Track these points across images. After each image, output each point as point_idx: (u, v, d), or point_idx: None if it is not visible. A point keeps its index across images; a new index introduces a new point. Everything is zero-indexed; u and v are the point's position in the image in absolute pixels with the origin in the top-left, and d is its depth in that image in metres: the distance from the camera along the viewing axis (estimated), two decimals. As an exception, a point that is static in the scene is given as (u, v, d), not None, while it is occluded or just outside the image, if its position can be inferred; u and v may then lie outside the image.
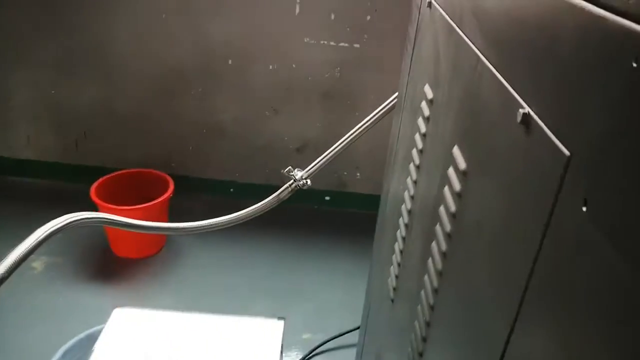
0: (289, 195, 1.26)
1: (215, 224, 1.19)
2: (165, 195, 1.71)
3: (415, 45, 0.85)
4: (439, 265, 0.51)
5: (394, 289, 0.73)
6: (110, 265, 1.73)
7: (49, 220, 0.87)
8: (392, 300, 0.73)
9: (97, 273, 1.69)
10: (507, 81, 0.40)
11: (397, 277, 0.73)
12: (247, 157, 2.06)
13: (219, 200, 2.06)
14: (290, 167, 1.22)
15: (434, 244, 0.54)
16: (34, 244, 0.82)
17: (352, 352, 1.40)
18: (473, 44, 0.52)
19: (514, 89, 0.38)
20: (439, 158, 0.59)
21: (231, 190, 2.10)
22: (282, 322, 0.71)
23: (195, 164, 2.08)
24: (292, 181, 1.21)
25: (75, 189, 1.91)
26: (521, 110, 0.36)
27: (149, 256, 1.78)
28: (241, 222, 1.21)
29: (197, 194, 2.07)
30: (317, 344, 1.48)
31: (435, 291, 0.52)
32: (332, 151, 1.26)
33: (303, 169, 1.23)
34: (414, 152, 0.71)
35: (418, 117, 0.71)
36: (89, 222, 0.97)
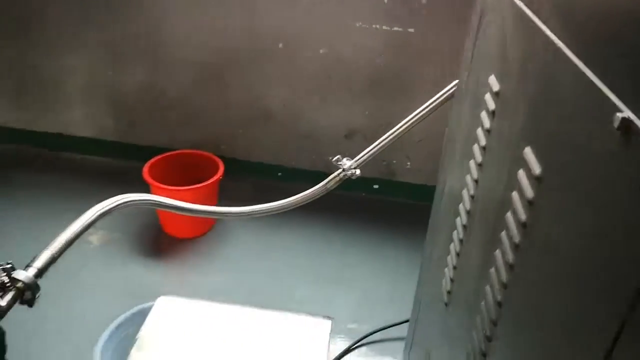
0: (337, 184, 1.23)
1: (261, 210, 1.18)
2: (216, 177, 1.72)
3: (479, 31, 0.79)
4: (504, 278, 0.47)
5: (449, 292, 0.69)
6: (161, 243, 1.77)
7: (103, 196, 0.88)
8: (446, 304, 0.69)
9: (149, 250, 1.73)
10: (599, 79, 0.35)
11: (452, 280, 0.69)
12: (295, 142, 2.04)
13: (267, 183, 2.05)
14: (339, 156, 1.18)
15: (498, 252, 0.50)
16: (85, 224, 0.83)
17: (397, 344, 1.37)
18: (552, 32, 0.46)
19: (609, 89, 0.33)
20: (505, 158, 0.54)
21: (279, 174, 2.09)
22: (329, 322, 0.68)
23: (243, 147, 2.08)
24: (340, 170, 1.18)
25: (128, 168, 1.96)
26: (619, 115, 0.31)
27: (198, 236, 1.80)
28: (287, 210, 1.19)
29: (244, 177, 2.07)
30: (362, 334, 1.46)
31: (499, 304, 0.47)
32: (383, 140, 1.21)
33: (351, 157, 1.19)
34: (476, 148, 0.66)
35: (481, 111, 0.66)
36: (140, 203, 0.97)
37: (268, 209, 1.18)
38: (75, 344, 1.36)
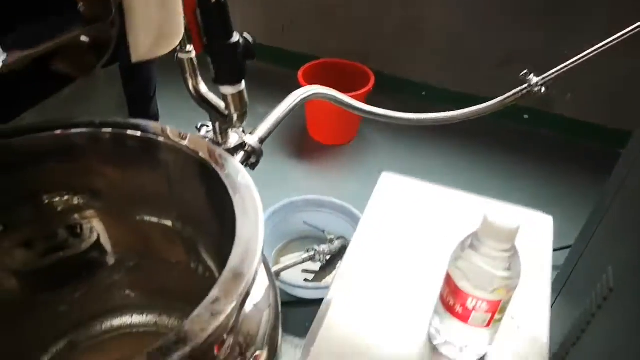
0: (514, 102, 1.17)
1: (433, 119, 1.17)
2: (367, 88, 1.72)
3: None
4: None
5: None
6: (307, 147, 1.85)
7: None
8: None
9: (295, 152, 1.82)
10: None
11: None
12: (446, 62, 1.97)
13: (410, 101, 2.03)
14: (526, 70, 1.12)
15: None
16: (289, 108, 0.88)
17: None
18: None
19: None
20: None
21: (423, 93, 2.05)
22: (550, 219, 0.68)
23: (392, 62, 2.04)
24: (525, 86, 1.12)
25: (280, 72, 2.02)
26: None
27: (341, 144, 1.85)
28: (457, 121, 1.17)
29: (388, 92, 2.06)
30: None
31: None
32: (572, 62, 1.12)
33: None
34: None
35: None
36: (327, 97, 1.01)
37: (439, 118, 1.17)
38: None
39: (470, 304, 0.48)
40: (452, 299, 0.50)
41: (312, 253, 1.42)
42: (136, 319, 0.78)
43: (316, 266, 1.46)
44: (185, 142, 0.59)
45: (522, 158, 1.83)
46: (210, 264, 0.64)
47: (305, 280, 1.43)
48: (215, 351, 0.50)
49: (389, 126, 1.90)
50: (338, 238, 1.47)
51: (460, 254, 0.48)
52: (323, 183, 1.74)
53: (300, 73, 1.76)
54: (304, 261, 1.42)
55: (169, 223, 0.65)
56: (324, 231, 1.48)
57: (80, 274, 0.69)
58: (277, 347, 0.58)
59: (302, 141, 1.87)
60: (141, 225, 0.66)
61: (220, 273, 0.64)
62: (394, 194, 0.73)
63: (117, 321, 0.77)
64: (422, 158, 1.82)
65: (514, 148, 1.87)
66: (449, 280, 0.50)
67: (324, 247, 1.44)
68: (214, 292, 0.44)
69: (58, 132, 0.57)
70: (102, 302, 0.74)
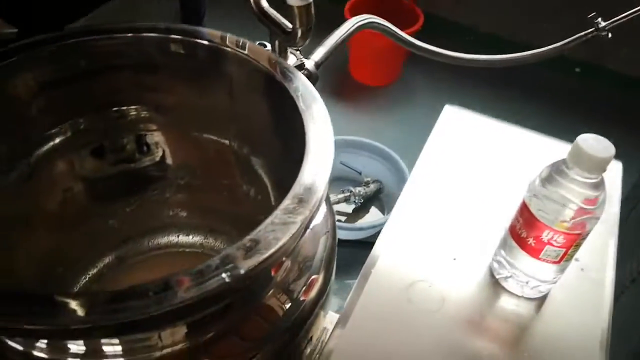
0: (575, 45, 1.11)
1: (489, 60, 1.12)
2: (415, 27, 1.65)
3: None
4: None
5: None
6: (347, 88, 1.81)
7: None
8: None
9: (335, 91, 1.78)
10: None
11: None
12: (498, 5, 1.87)
13: (456, 46, 1.94)
14: (595, 12, 1.04)
15: None
16: (346, 33, 0.84)
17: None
18: None
19: None
20: None
21: (471, 38, 1.96)
22: (619, 164, 0.64)
23: (441, 2, 1.95)
24: (592, 29, 1.05)
25: (326, 7, 1.94)
26: None
27: (382, 86, 1.81)
28: (519, 64, 1.11)
29: (434, 34, 1.97)
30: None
31: None
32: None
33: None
34: None
35: None
36: (382, 28, 0.96)
37: (498, 60, 1.11)
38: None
39: (545, 236, 0.46)
40: (525, 231, 0.48)
41: (347, 194, 1.41)
42: (182, 238, 0.78)
43: (349, 208, 1.45)
44: (247, 52, 0.56)
45: (571, 111, 1.76)
46: (266, 184, 0.63)
47: (338, 221, 1.43)
48: (272, 272, 0.50)
49: (432, 70, 1.84)
50: (374, 181, 1.45)
51: (541, 183, 0.46)
52: (361, 124, 1.70)
53: (346, 7, 1.70)
54: (338, 202, 1.42)
55: (226, 141, 0.63)
56: (360, 173, 1.46)
57: (134, 188, 0.69)
58: (332, 273, 0.57)
59: (343, 81, 1.82)
60: (197, 142, 0.64)
61: (275, 196, 0.63)
62: (457, 128, 0.70)
63: (164, 239, 0.78)
64: (465, 106, 1.76)
65: (563, 101, 1.80)
66: (524, 210, 0.48)
67: (359, 189, 1.42)
68: (286, 203, 0.42)
69: (129, 34, 0.54)
70: (151, 220, 0.75)
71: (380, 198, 1.48)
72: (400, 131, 1.64)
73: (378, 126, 1.68)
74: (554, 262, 0.48)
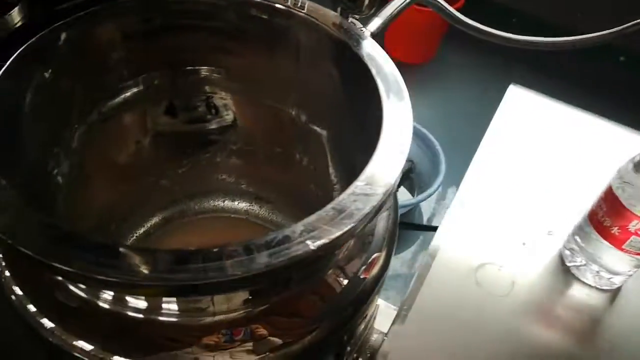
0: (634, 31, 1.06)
1: (548, 42, 1.07)
2: (457, 4, 1.60)
3: None
4: None
5: None
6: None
7: None
8: None
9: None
10: None
11: None
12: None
13: (498, 28, 1.88)
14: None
15: None
16: (400, 6, 0.81)
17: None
18: None
19: None
20: None
21: (513, 20, 1.90)
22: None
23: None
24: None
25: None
26: None
27: (419, 63, 1.77)
28: (576, 48, 1.06)
29: (476, 15, 1.92)
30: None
31: None
32: None
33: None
34: None
35: None
36: (429, 2, 0.93)
37: (559, 42, 1.07)
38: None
39: (633, 226, 0.44)
40: (609, 220, 0.45)
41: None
42: (228, 204, 0.77)
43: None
44: (315, 16, 0.53)
45: (615, 104, 1.71)
46: (326, 154, 0.61)
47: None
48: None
49: (468, 51, 1.79)
50: (406, 160, 1.43)
51: (635, 169, 0.43)
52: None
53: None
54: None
55: (287, 109, 0.61)
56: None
57: (187, 150, 0.68)
58: (393, 252, 0.55)
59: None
60: (260, 107, 0.62)
61: (335, 167, 0.61)
62: (522, 109, 0.68)
63: (210, 204, 0.77)
64: (496, 81, 1.71)
65: (610, 92, 1.74)
66: (610, 198, 0.45)
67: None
68: (365, 175, 0.40)
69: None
70: (200, 183, 0.73)
71: (410, 177, 1.45)
72: (434, 110, 1.61)
73: (412, 104, 1.65)
74: (637, 254, 0.46)
